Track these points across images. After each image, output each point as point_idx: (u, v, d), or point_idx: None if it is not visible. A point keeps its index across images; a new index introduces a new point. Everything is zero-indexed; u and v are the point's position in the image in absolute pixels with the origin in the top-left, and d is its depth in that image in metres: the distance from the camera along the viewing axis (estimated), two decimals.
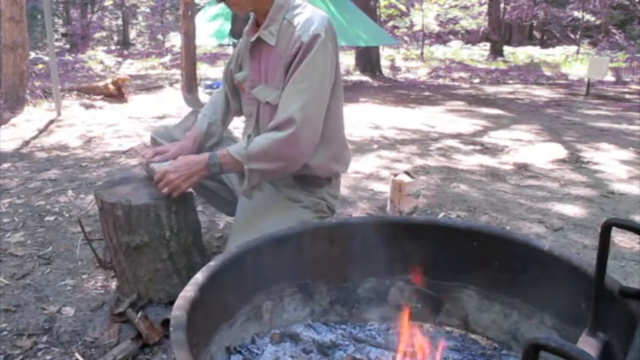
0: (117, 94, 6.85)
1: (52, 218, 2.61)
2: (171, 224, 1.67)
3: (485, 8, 17.58)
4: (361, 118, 5.46)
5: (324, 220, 1.76)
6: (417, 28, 16.90)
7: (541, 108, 6.82)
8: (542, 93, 8.53)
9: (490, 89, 9.04)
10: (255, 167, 1.52)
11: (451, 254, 1.40)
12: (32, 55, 9.01)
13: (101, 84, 7.05)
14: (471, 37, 18.91)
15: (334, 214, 1.88)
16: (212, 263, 1.19)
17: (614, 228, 0.99)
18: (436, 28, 17.61)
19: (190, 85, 7.33)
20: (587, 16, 17.89)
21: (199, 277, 1.13)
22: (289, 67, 1.53)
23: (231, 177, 1.91)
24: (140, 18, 21.95)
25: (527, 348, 0.65)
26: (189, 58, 6.98)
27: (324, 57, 1.51)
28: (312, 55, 1.49)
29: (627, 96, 8.18)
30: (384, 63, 11.87)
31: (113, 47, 17.81)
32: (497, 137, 4.82)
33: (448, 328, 1.47)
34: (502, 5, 17.08)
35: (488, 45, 16.60)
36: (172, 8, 19.77)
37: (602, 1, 17.16)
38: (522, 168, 3.70)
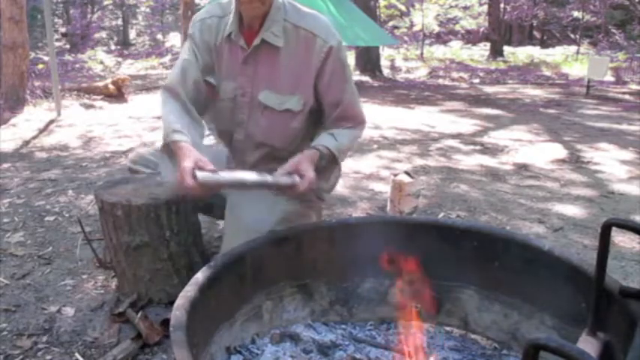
0: (117, 94, 6.85)
1: (52, 218, 2.61)
2: (172, 224, 1.67)
3: (485, 8, 17.57)
4: None
5: (325, 220, 1.76)
6: (417, 28, 16.90)
7: (541, 108, 6.82)
8: (542, 93, 8.52)
9: (490, 89, 9.04)
10: (340, 161, 1.63)
11: (451, 254, 1.40)
12: (32, 55, 9.00)
13: (101, 84, 7.05)
14: (471, 37, 18.90)
15: (324, 202, 1.87)
16: (212, 263, 1.20)
17: (614, 228, 1.00)
18: (436, 28, 17.60)
19: None
20: (587, 16, 17.88)
21: (199, 277, 1.13)
22: (320, 71, 1.55)
23: None
24: (140, 18, 21.95)
25: (527, 348, 0.65)
26: None
27: (346, 57, 1.63)
28: (345, 59, 1.59)
29: (627, 96, 8.18)
30: (384, 63, 11.86)
31: (113, 47, 17.81)
32: (497, 137, 4.82)
33: (448, 328, 1.47)
34: (502, 5, 17.07)
35: (488, 45, 16.59)
36: (172, 8, 19.77)
37: (602, 1, 17.16)
38: (522, 168, 3.70)
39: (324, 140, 1.56)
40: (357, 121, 1.66)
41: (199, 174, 1.30)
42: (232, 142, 1.74)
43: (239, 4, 1.49)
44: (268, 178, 1.35)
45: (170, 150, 1.50)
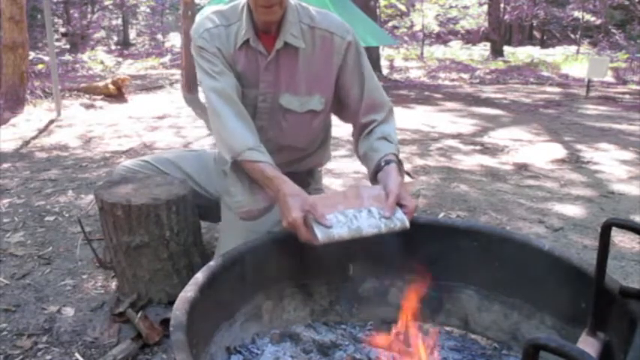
0: (117, 94, 6.86)
1: (52, 218, 2.61)
2: (172, 224, 1.67)
3: (485, 8, 17.58)
4: None
5: None
6: (416, 28, 16.91)
7: (541, 108, 6.82)
8: (542, 93, 8.53)
9: (490, 89, 9.04)
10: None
11: (451, 254, 1.40)
12: (32, 55, 9.00)
13: (101, 84, 7.06)
14: (471, 37, 18.90)
15: None
16: (212, 263, 1.19)
17: (614, 228, 0.99)
18: (436, 28, 17.61)
19: (190, 85, 7.34)
20: (587, 16, 17.88)
21: (199, 277, 1.13)
22: (342, 67, 1.55)
23: (204, 184, 1.86)
24: (140, 18, 21.96)
25: (527, 348, 0.65)
26: (189, 58, 6.98)
27: (362, 48, 1.61)
28: (362, 50, 1.58)
29: (627, 96, 8.18)
30: (384, 63, 11.87)
31: (113, 47, 17.81)
32: (497, 137, 4.82)
33: (448, 328, 1.47)
34: (502, 5, 17.07)
35: (488, 45, 16.60)
36: (172, 8, 19.78)
37: (602, 1, 17.16)
38: (522, 168, 3.70)
39: (385, 148, 1.51)
40: (387, 108, 1.60)
41: (320, 235, 1.23)
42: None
43: (256, 10, 1.43)
44: (382, 225, 1.28)
45: (238, 166, 1.42)
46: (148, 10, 20.70)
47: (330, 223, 1.26)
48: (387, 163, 1.44)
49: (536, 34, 23.10)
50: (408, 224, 1.30)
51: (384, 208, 1.31)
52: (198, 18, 7.84)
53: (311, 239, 1.25)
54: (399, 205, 1.33)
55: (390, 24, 17.10)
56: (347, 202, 1.34)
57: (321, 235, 1.24)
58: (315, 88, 1.56)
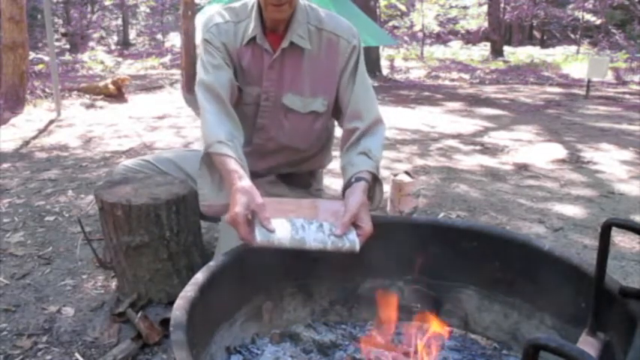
0: (117, 94, 6.85)
1: (52, 218, 2.61)
2: (172, 224, 1.67)
3: (485, 8, 17.58)
4: None
5: None
6: (416, 28, 16.91)
7: (541, 108, 6.82)
8: (542, 93, 8.53)
9: (490, 89, 9.04)
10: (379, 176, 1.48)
11: (451, 254, 1.40)
12: (32, 55, 9.00)
13: (101, 84, 7.05)
14: (471, 37, 18.91)
15: None
16: (212, 263, 1.19)
17: (614, 228, 1.00)
18: (436, 28, 17.61)
19: (190, 85, 7.32)
20: (587, 16, 17.89)
21: (199, 277, 1.13)
22: (343, 70, 1.54)
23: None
24: (140, 18, 21.96)
25: (527, 348, 0.65)
26: (189, 58, 6.98)
27: (362, 55, 1.60)
28: (362, 57, 1.57)
29: (627, 96, 8.18)
30: (384, 63, 11.86)
31: (113, 47, 17.81)
32: (497, 137, 4.82)
33: (448, 328, 1.47)
34: (502, 5, 17.07)
35: (488, 45, 16.60)
36: (172, 8, 19.77)
37: (602, 1, 17.16)
38: (522, 168, 3.70)
39: (362, 164, 1.43)
40: (372, 117, 1.51)
41: (258, 236, 1.20)
42: (249, 146, 1.63)
43: (266, 7, 1.44)
44: (329, 242, 1.23)
45: (210, 160, 1.41)
46: (148, 10, 20.69)
47: (273, 227, 1.22)
48: (358, 180, 1.38)
49: (536, 34, 23.11)
50: (357, 248, 1.24)
51: (337, 225, 1.26)
52: (198, 18, 7.84)
53: (249, 239, 1.21)
54: (356, 226, 1.28)
55: (390, 24, 17.11)
56: (300, 210, 1.30)
57: (260, 236, 1.20)
58: (319, 89, 1.56)
